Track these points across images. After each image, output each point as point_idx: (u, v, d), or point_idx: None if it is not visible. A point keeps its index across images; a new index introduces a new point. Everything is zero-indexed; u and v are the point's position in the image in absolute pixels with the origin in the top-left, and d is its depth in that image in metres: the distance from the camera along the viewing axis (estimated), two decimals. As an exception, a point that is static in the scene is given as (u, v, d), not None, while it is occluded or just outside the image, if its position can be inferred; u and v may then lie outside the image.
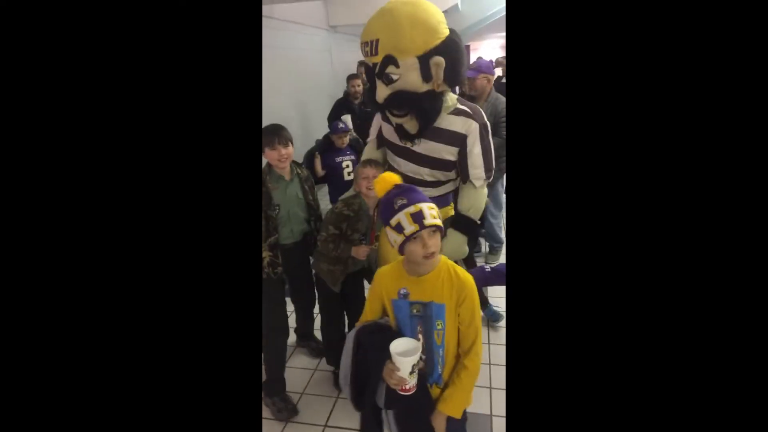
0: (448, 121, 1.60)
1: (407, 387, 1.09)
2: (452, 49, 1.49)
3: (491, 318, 2.45)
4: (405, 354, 1.06)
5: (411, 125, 1.61)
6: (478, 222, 1.74)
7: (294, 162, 1.88)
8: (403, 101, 1.53)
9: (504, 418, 1.71)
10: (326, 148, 2.95)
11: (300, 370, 2.19)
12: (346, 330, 2.06)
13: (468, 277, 1.16)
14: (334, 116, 3.82)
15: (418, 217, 1.06)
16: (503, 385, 1.92)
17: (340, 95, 4.22)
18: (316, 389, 2.07)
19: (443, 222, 1.15)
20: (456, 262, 1.25)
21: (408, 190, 1.14)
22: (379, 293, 1.22)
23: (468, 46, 10.37)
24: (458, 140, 1.61)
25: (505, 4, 7.77)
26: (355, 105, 3.86)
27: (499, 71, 6.10)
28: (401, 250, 1.12)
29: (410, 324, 1.17)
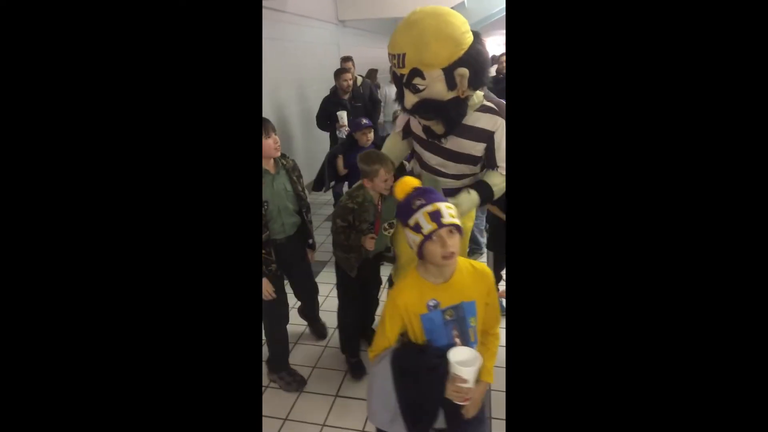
0: (475, 118, 1.69)
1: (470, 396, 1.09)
2: (475, 58, 1.55)
3: None
4: (468, 364, 1.06)
5: (438, 128, 1.71)
6: (493, 198, 1.78)
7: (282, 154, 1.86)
8: (429, 108, 1.62)
9: (504, 421, 1.74)
10: (349, 146, 2.93)
11: (309, 347, 2.32)
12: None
13: (483, 266, 1.21)
14: (324, 115, 3.75)
15: (436, 216, 1.07)
16: (503, 388, 1.99)
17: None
18: (326, 363, 2.20)
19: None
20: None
21: (426, 191, 1.15)
22: (399, 313, 1.16)
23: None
24: (485, 137, 1.70)
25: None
26: (345, 100, 3.72)
27: (493, 70, 6.19)
28: (420, 252, 1.11)
29: (445, 331, 1.15)
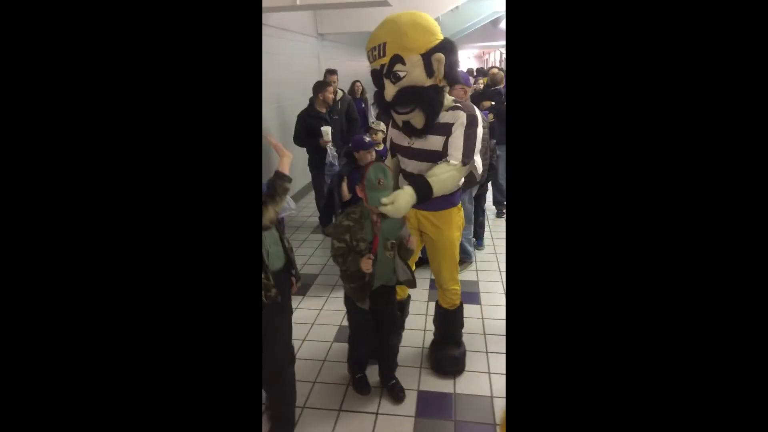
0: (441, 116, 1.78)
1: None
2: (449, 48, 1.71)
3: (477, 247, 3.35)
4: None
5: (417, 120, 1.78)
6: (431, 191, 1.72)
7: None
8: (409, 96, 1.72)
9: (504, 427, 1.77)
10: (352, 167, 2.68)
11: (306, 361, 2.29)
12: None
13: None
14: (303, 132, 3.50)
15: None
16: (503, 394, 2.00)
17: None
18: (327, 378, 2.17)
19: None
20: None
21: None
22: None
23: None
24: (446, 129, 1.78)
25: (479, 18, 8.16)
26: (324, 114, 3.55)
27: (480, 82, 6.36)
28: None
29: None
